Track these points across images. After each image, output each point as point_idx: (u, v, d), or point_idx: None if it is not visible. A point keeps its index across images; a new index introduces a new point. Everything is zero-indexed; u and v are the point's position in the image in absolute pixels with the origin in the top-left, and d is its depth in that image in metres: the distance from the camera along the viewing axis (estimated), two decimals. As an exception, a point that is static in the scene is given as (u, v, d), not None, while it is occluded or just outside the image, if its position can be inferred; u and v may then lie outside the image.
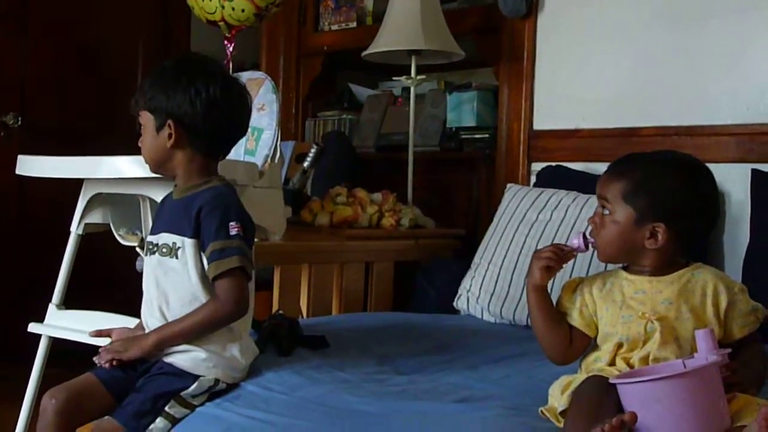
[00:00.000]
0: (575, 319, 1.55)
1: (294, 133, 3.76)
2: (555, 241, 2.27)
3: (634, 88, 2.65)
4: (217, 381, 1.67)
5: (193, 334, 1.66)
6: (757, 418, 1.18)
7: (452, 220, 3.11)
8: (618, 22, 2.68)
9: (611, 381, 1.35)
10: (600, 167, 2.22)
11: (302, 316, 2.56)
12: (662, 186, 1.50)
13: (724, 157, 2.36)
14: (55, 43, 3.98)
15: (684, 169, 1.54)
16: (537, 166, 2.88)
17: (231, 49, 2.96)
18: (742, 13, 2.42)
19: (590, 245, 1.54)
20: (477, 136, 3.17)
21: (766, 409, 1.16)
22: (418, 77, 3.05)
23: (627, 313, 1.49)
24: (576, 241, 1.55)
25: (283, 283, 2.57)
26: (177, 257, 1.68)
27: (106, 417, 1.63)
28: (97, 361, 1.69)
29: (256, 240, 2.28)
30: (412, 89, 3.07)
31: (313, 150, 3.29)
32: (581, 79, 2.79)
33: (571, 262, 1.64)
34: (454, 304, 2.58)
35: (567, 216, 2.44)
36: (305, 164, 3.27)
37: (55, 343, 2.30)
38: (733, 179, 2.30)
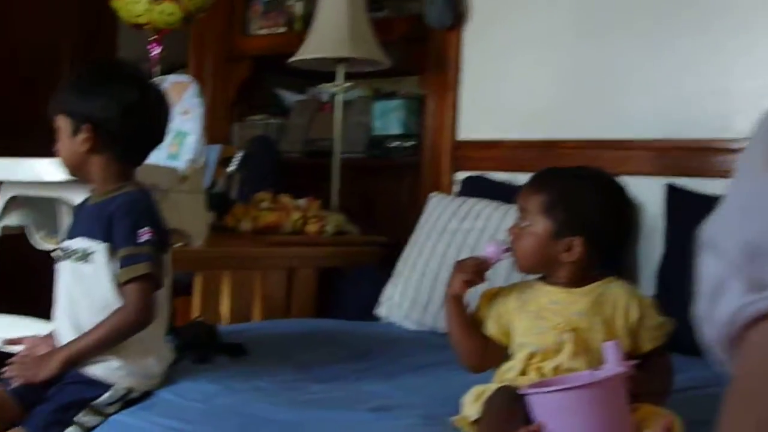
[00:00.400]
0: (490, 329, 1.56)
1: (220, 137, 3.72)
2: (476, 251, 2.30)
3: (557, 100, 2.68)
4: (130, 389, 1.65)
5: (102, 346, 1.63)
6: (657, 428, 1.21)
7: (377, 227, 3.10)
8: (542, 36, 2.71)
9: (520, 392, 1.36)
10: (522, 177, 2.23)
11: (222, 323, 2.53)
12: (581, 201, 1.52)
13: (640, 171, 2.40)
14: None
15: (602, 185, 1.57)
16: (461, 176, 2.89)
17: (157, 51, 2.92)
18: (661, 28, 2.47)
19: (504, 254, 1.56)
20: (403, 144, 3.18)
21: (667, 420, 1.19)
22: (345, 84, 3.06)
23: (541, 323, 1.50)
24: (490, 249, 1.56)
25: (203, 289, 2.55)
26: (89, 262, 1.66)
27: (15, 428, 1.60)
28: (7, 376, 1.66)
29: (178, 245, 2.26)
30: (337, 96, 3.07)
31: (239, 154, 3.28)
32: (506, 91, 2.81)
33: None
34: (376, 311, 2.59)
35: (488, 225, 2.46)
36: (230, 169, 3.25)
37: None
38: (648, 193, 2.34)
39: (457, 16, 2.87)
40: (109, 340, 1.63)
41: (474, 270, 1.54)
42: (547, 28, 2.70)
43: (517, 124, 2.78)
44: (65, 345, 1.64)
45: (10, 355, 1.75)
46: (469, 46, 2.91)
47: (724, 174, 2.25)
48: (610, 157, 2.45)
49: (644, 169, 2.42)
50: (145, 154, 1.80)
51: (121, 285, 1.63)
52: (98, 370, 1.63)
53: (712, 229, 0.48)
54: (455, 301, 1.57)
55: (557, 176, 1.59)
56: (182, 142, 2.54)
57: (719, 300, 0.47)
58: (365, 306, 2.62)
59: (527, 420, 1.31)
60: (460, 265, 1.57)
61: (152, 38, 2.90)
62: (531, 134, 2.74)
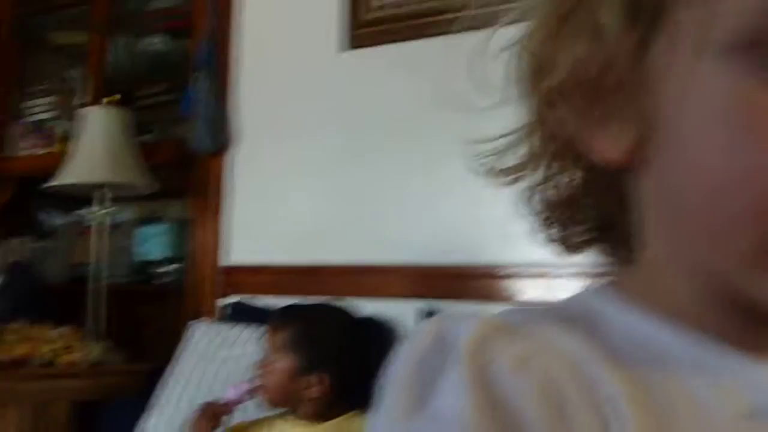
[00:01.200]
0: None
1: (-23, 261, 3.54)
2: (237, 379, 2.26)
3: (320, 225, 2.73)
4: None
5: None
6: None
7: (144, 354, 3.00)
8: (309, 161, 2.77)
9: None
10: (289, 301, 2.24)
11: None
12: (324, 338, 1.56)
13: (398, 294, 2.45)
14: None
15: (345, 323, 1.62)
16: (227, 300, 2.86)
17: None
18: (419, 155, 2.57)
19: (247, 395, 1.57)
20: (168, 269, 3.13)
21: None
22: (105, 210, 2.99)
23: None
24: (231, 392, 1.58)
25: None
26: None
27: None
28: None
29: None
30: (98, 221, 2.99)
31: (-4, 280, 3.12)
32: (273, 215, 2.84)
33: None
34: (136, 444, 2.48)
35: (250, 352, 2.43)
36: (-15, 295, 3.09)
37: None
38: (404, 316, 2.40)
39: (221, 141, 2.89)
40: None
41: (212, 415, 1.56)
42: (313, 154, 2.77)
43: (283, 248, 2.80)
44: None
45: None
46: (237, 170, 2.94)
47: (477, 298, 2.35)
48: (369, 281, 2.51)
49: (401, 292, 2.48)
50: None
51: None
52: None
53: None
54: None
55: (301, 313, 1.63)
56: None
57: None
58: (126, 438, 2.51)
59: None
60: (200, 410, 1.58)
61: None
62: (296, 259, 2.76)
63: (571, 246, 0.55)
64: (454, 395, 0.39)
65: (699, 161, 0.41)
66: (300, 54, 2.79)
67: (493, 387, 0.39)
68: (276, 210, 2.83)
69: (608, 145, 0.46)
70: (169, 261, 3.14)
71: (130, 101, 3.23)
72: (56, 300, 3.20)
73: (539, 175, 0.51)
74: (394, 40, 2.62)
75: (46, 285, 3.30)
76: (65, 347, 2.72)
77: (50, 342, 2.71)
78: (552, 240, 0.55)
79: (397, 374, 0.43)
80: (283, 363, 1.55)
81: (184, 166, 3.04)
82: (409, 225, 2.57)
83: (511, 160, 0.52)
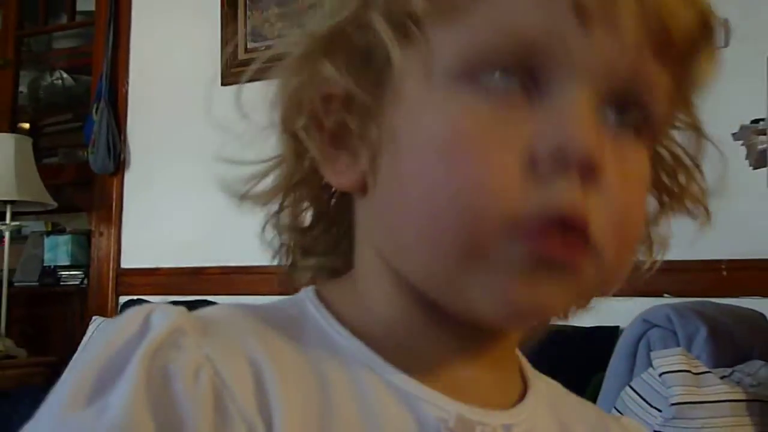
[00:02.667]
0: None
1: None
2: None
3: (203, 234, 2.70)
4: None
5: None
6: None
7: (49, 349, 2.93)
8: (189, 181, 2.73)
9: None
10: (176, 299, 2.23)
11: None
12: None
13: (266, 292, 2.45)
14: None
15: None
16: (124, 299, 2.83)
17: None
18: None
19: None
20: (72, 273, 3.06)
21: None
22: (13, 223, 2.91)
23: None
24: None
25: None
26: None
27: None
28: None
29: None
30: (7, 233, 2.91)
31: None
32: (161, 226, 2.81)
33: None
34: (40, 428, 2.43)
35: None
36: None
37: None
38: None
39: (118, 163, 2.86)
40: None
41: None
42: (195, 174, 2.72)
43: (171, 254, 2.77)
44: None
45: None
46: (129, 189, 2.91)
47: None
48: (247, 280, 2.51)
49: (269, 290, 2.48)
50: None
51: None
52: None
53: None
54: None
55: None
56: None
57: None
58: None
59: None
60: None
61: None
62: (182, 263, 2.74)
63: (295, 273, 0.50)
64: (125, 392, 0.34)
65: (413, 179, 0.38)
66: (182, 88, 2.78)
67: (162, 388, 0.34)
68: (164, 221, 2.80)
69: (341, 175, 0.42)
70: (72, 267, 3.07)
71: (37, 129, 3.17)
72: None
73: (283, 201, 0.46)
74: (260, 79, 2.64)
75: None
76: (-24, 344, 2.64)
77: (-39, 340, 2.63)
78: (283, 265, 0.50)
79: (86, 358, 0.37)
80: None
81: (86, 185, 3.00)
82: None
83: (261, 186, 0.47)
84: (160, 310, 0.38)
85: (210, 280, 2.63)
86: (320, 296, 0.44)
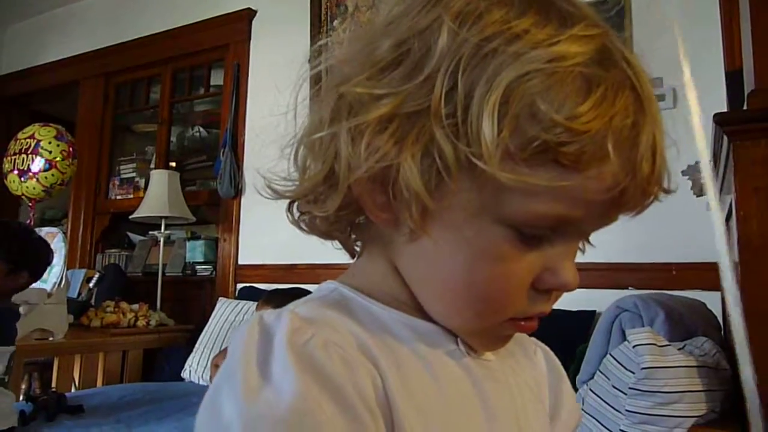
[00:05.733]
0: None
1: (88, 263, 3.47)
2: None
3: (295, 240, 2.71)
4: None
5: None
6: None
7: (189, 319, 2.97)
8: (283, 203, 2.78)
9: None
10: (277, 286, 2.25)
11: (74, 390, 2.31)
12: None
13: None
14: None
15: None
16: (240, 286, 2.87)
17: (32, 213, 2.72)
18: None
19: None
20: (205, 267, 3.10)
21: None
22: (167, 231, 2.98)
23: None
24: None
25: (61, 368, 2.32)
26: None
27: None
28: None
29: (50, 339, 2.05)
30: (161, 239, 2.97)
31: (97, 275, 3.07)
32: (266, 234, 2.82)
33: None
34: (182, 374, 2.46)
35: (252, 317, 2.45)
36: (91, 284, 3.03)
37: None
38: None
39: (237, 190, 2.91)
40: None
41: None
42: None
43: (273, 254, 2.80)
44: None
45: None
46: (245, 208, 2.94)
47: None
48: (327, 273, 2.52)
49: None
50: (24, 288, 1.63)
51: None
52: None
53: None
54: (216, 371, 1.53)
55: (280, 294, 1.57)
56: (50, 271, 2.34)
57: None
58: (175, 372, 2.49)
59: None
60: (222, 351, 1.52)
61: (29, 205, 2.70)
62: (281, 260, 2.76)
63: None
64: (284, 372, 0.33)
65: (457, 273, 0.37)
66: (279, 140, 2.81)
67: (309, 360, 0.34)
68: (267, 231, 2.81)
69: (378, 211, 0.39)
70: (206, 262, 3.12)
71: (182, 167, 3.24)
72: (134, 287, 3.17)
73: (323, 210, 0.41)
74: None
75: (128, 278, 3.25)
76: (140, 316, 2.70)
77: (131, 312, 2.69)
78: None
79: (235, 356, 0.35)
80: None
81: (215, 205, 3.05)
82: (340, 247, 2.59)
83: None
84: (267, 315, 0.38)
85: (300, 273, 2.64)
86: (348, 283, 0.43)
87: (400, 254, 0.40)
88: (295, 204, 0.45)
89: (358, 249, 0.47)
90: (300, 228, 0.46)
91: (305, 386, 0.33)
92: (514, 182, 0.34)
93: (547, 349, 0.51)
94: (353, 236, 0.46)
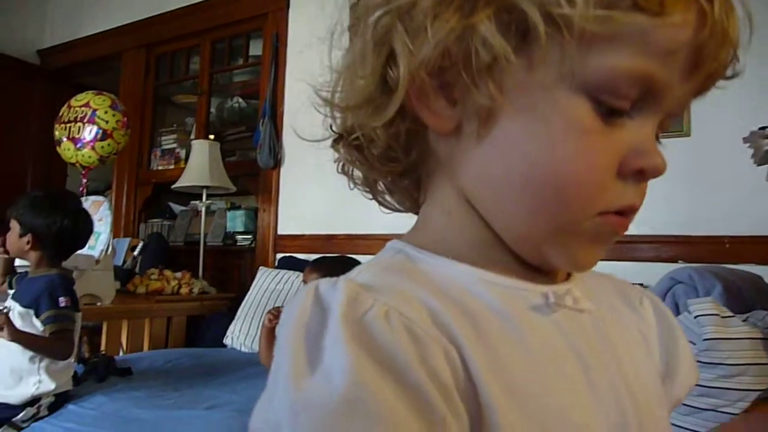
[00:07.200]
0: None
1: (131, 233, 3.54)
2: (284, 303, 2.27)
3: (334, 210, 2.71)
4: (39, 408, 1.50)
5: (33, 347, 1.48)
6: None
7: (229, 287, 3.02)
8: (325, 174, 2.73)
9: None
10: (314, 257, 2.25)
11: (121, 354, 2.37)
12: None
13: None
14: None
15: (355, 265, 1.52)
16: (280, 255, 2.88)
17: (85, 181, 2.76)
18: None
19: None
20: (245, 236, 3.12)
21: None
22: (208, 201, 3.00)
23: None
24: None
25: (109, 332, 2.38)
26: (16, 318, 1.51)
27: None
28: None
29: (98, 304, 2.09)
30: (203, 209, 3.00)
31: (141, 244, 3.12)
32: (305, 205, 2.84)
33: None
34: (224, 341, 2.50)
35: (293, 287, 2.46)
36: (135, 253, 3.09)
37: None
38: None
39: (276, 161, 2.90)
40: (40, 348, 1.48)
41: (276, 313, 1.50)
42: (325, 169, 2.74)
43: (311, 224, 2.80)
44: (18, 329, 1.46)
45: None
46: (283, 179, 2.94)
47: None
48: (363, 243, 2.53)
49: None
50: (68, 253, 1.67)
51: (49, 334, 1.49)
52: (15, 398, 1.48)
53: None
54: (266, 331, 1.53)
55: (326, 261, 1.58)
56: (97, 238, 2.39)
57: None
58: (217, 338, 2.53)
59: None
60: (271, 310, 1.53)
61: (81, 173, 2.74)
62: (319, 230, 2.76)
63: (375, 192, 0.44)
64: (337, 351, 0.29)
65: (537, 158, 0.33)
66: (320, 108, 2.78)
67: (367, 335, 0.30)
68: (306, 201, 2.83)
69: (437, 116, 0.36)
70: (245, 233, 3.14)
71: (222, 138, 3.25)
72: (176, 256, 3.22)
73: (380, 118, 0.37)
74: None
75: (172, 247, 3.31)
76: (183, 283, 2.74)
77: (174, 280, 2.73)
78: (357, 184, 0.43)
79: (286, 338, 0.31)
80: None
81: (254, 176, 3.05)
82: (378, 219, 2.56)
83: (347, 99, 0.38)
84: (324, 284, 0.34)
85: (339, 243, 2.64)
86: (411, 242, 0.38)
87: (467, 169, 0.36)
88: (341, 145, 0.42)
89: (412, 204, 0.43)
90: (348, 173, 0.43)
91: (360, 368, 0.28)
92: (599, 27, 0.31)
93: (656, 298, 0.46)
94: (407, 182, 0.42)
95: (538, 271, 0.37)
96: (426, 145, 0.38)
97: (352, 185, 0.44)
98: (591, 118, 0.33)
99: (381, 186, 0.43)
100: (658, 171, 0.34)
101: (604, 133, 0.33)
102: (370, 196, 0.44)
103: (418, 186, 0.41)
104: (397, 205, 0.44)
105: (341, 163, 0.43)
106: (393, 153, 0.39)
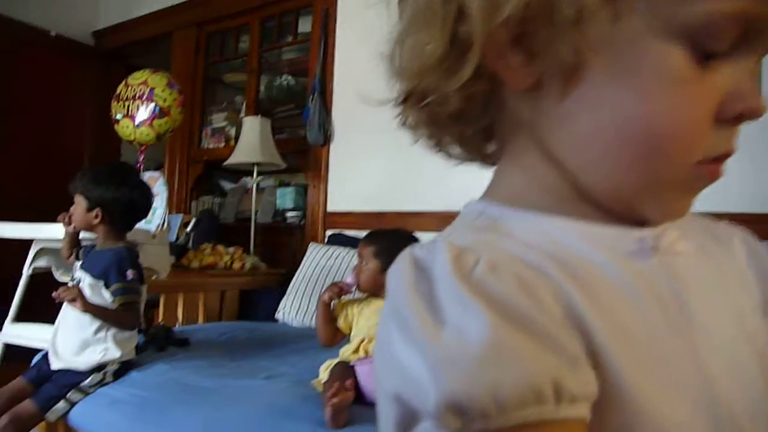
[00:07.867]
0: (340, 323, 1.52)
1: (183, 209, 3.61)
2: (335, 279, 2.27)
3: (384, 187, 2.72)
4: (105, 375, 1.54)
5: (103, 318, 1.52)
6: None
7: (279, 263, 3.05)
8: (374, 149, 2.75)
9: (351, 364, 1.34)
10: (363, 234, 2.24)
11: (177, 325, 2.42)
12: (399, 249, 1.46)
13: (432, 230, 2.40)
14: (30, 146, 3.65)
15: (414, 239, 1.48)
16: (329, 232, 2.89)
17: (142, 158, 2.82)
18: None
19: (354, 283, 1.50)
20: (295, 213, 3.14)
21: None
22: (259, 178, 3.02)
23: (371, 321, 1.47)
24: (349, 279, 1.50)
25: (166, 304, 2.43)
26: (86, 289, 1.55)
27: (27, 400, 1.47)
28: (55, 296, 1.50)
29: (153, 277, 2.14)
30: (254, 185, 3.03)
31: (193, 220, 3.17)
32: (355, 182, 2.84)
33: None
34: (276, 316, 2.53)
35: (344, 263, 2.47)
36: (188, 229, 3.14)
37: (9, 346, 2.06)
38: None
39: (325, 138, 2.90)
40: (109, 319, 1.52)
41: (337, 290, 1.49)
42: (377, 145, 2.74)
43: (361, 201, 2.80)
44: (89, 302, 1.50)
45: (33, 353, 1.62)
46: (333, 156, 2.94)
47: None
48: (413, 220, 2.51)
49: (435, 228, 2.45)
50: (133, 225, 1.70)
51: (117, 306, 1.53)
52: (84, 364, 1.53)
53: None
54: (324, 306, 1.53)
55: (380, 234, 1.56)
56: (154, 213, 2.44)
57: None
58: (269, 312, 2.56)
59: (356, 383, 1.28)
60: (330, 286, 1.51)
61: (139, 150, 2.80)
62: (370, 207, 2.76)
63: (441, 144, 0.42)
64: (462, 307, 0.29)
65: (630, 111, 0.32)
66: (370, 85, 2.76)
67: (482, 287, 0.30)
68: (356, 179, 2.83)
69: (515, 72, 0.34)
70: (295, 209, 3.15)
71: (272, 115, 3.25)
72: (227, 233, 3.27)
73: (456, 81, 0.35)
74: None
75: (222, 224, 3.35)
76: (235, 258, 2.78)
77: (227, 255, 2.77)
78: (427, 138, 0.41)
79: (399, 300, 0.31)
80: (371, 265, 1.44)
81: (304, 152, 3.06)
82: (438, 189, 2.53)
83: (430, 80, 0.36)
84: (417, 249, 0.34)
85: (388, 219, 2.63)
86: (494, 200, 0.38)
87: (551, 126, 0.35)
88: (407, 105, 0.39)
89: (487, 158, 0.42)
90: (421, 131, 0.40)
91: (489, 320, 0.28)
92: None
93: (745, 233, 0.44)
94: (477, 136, 0.40)
95: (626, 221, 0.36)
96: (502, 103, 0.37)
97: (415, 139, 0.42)
98: (685, 66, 0.31)
99: (448, 139, 0.42)
100: (758, 113, 0.33)
101: (700, 79, 0.31)
102: (437, 150, 0.42)
103: (487, 137, 0.41)
104: (465, 156, 0.43)
105: (405, 120, 0.41)
106: (467, 113, 0.38)
